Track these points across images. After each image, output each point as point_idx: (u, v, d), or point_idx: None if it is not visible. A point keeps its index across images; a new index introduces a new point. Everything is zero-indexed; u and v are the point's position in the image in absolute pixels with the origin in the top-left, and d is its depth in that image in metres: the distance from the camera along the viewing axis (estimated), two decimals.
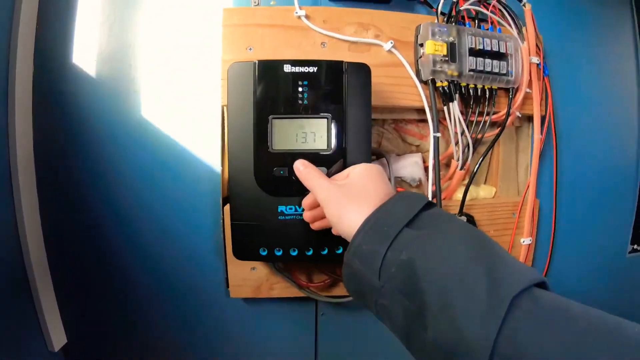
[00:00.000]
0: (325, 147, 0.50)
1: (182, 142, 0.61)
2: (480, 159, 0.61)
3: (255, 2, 0.61)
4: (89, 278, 0.65)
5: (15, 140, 0.60)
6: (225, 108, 0.59)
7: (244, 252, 0.53)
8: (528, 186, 0.64)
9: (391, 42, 0.57)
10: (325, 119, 0.50)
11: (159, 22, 0.62)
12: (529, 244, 0.65)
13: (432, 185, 0.58)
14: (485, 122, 0.60)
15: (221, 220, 0.59)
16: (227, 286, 0.61)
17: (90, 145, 0.62)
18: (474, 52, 0.58)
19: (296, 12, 0.57)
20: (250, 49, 0.57)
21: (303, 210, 0.49)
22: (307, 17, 0.57)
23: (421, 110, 0.60)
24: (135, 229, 0.62)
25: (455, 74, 0.57)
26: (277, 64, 0.49)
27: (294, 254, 0.52)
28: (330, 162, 0.49)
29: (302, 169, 0.44)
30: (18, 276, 0.60)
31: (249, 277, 0.60)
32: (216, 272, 0.62)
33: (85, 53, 0.62)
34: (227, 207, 0.58)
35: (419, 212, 0.33)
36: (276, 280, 0.60)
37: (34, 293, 0.62)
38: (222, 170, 0.59)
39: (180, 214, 0.62)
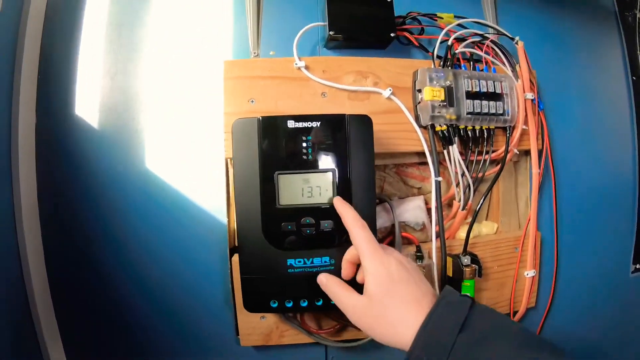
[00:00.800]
0: (331, 200, 0.51)
1: (187, 193, 0.61)
2: (482, 199, 0.62)
3: (254, 53, 0.62)
4: (98, 328, 0.64)
5: (20, 191, 0.61)
6: (229, 161, 0.60)
7: (254, 304, 0.53)
8: (529, 220, 0.66)
9: (390, 89, 0.59)
10: (330, 173, 0.51)
11: (162, 75, 0.63)
12: (533, 276, 0.66)
13: (436, 225, 0.59)
14: (485, 161, 0.61)
15: (229, 270, 0.60)
16: (237, 334, 0.62)
17: (96, 196, 0.62)
18: (470, 95, 0.59)
19: (296, 64, 0.58)
20: (252, 101, 0.58)
21: (312, 262, 0.50)
22: (306, 67, 0.58)
23: (421, 154, 0.61)
24: (143, 279, 0.62)
25: (454, 117, 0.59)
26: (280, 120, 0.50)
27: (304, 304, 0.52)
28: (338, 215, 0.50)
29: (325, 282, 0.46)
30: (26, 331, 0.60)
31: (259, 326, 0.60)
32: (226, 321, 0.62)
33: (88, 104, 0.63)
34: (235, 257, 0.59)
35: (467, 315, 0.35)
36: (286, 328, 0.60)
37: (42, 345, 0.61)
38: (228, 222, 0.60)
39: (187, 264, 0.62)
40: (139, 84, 0.63)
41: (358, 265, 0.47)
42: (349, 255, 0.47)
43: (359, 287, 0.43)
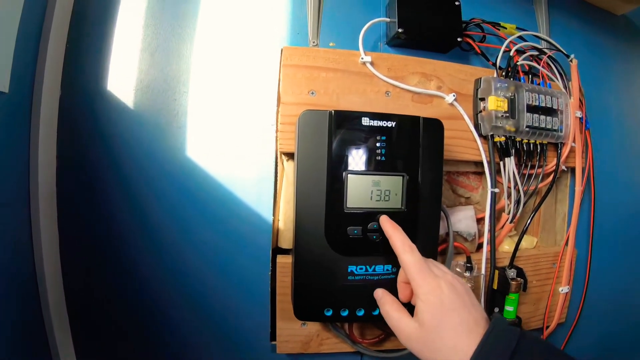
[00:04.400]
0: (400, 205, 0.48)
1: (230, 186, 0.56)
2: (533, 213, 0.62)
3: (313, 43, 0.58)
4: (114, 325, 0.58)
5: (37, 171, 0.54)
6: (280, 155, 0.56)
7: (307, 312, 0.49)
8: (568, 236, 0.66)
9: (453, 95, 0.57)
10: (402, 177, 0.48)
11: (208, 56, 0.57)
12: (567, 293, 0.66)
13: (488, 233, 0.58)
14: (537, 175, 0.61)
15: (270, 272, 0.56)
16: (272, 340, 0.58)
17: (124, 183, 0.56)
18: (530, 108, 0.59)
19: (362, 58, 0.55)
20: (312, 92, 0.54)
21: (374, 270, 0.48)
22: (372, 63, 0.55)
23: (477, 164, 0.60)
24: (171, 275, 0.57)
25: (513, 129, 0.58)
26: (354, 116, 0.47)
27: (360, 314, 0.49)
28: (405, 222, 0.47)
29: (380, 297, 0.45)
30: (36, 333, 0.53)
31: (299, 333, 0.56)
32: (260, 325, 0.58)
33: (122, 80, 0.57)
34: (280, 259, 0.55)
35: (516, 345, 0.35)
36: (327, 336, 0.57)
37: (52, 349, 0.55)
38: (274, 220, 0.56)
39: (224, 262, 0.57)
40: (182, 64, 0.57)
41: None
42: (402, 276, 0.45)
43: (412, 306, 0.42)
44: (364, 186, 0.47)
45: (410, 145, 0.48)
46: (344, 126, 0.47)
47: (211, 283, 0.57)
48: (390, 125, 0.48)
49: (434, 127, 0.50)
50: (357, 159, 0.47)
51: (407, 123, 0.48)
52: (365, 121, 0.47)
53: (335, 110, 0.47)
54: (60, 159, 0.56)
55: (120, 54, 0.57)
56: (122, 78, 0.57)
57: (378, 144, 0.47)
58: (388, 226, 0.45)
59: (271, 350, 0.58)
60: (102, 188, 0.56)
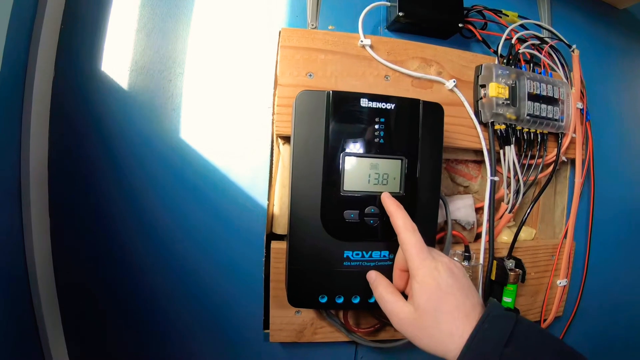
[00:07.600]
0: (398, 190, 0.47)
1: (224, 170, 0.55)
2: (532, 203, 0.61)
3: (312, 25, 0.57)
4: (107, 316, 0.57)
5: (29, 157, 0.52)
6: (277, 138, 0.55)
7: (301, 299, 0.48)
8: (567, 228, 0.65)
9: (454, 81, 0.56)
10: (400, 160, 0.47)
11: (205, 37, 0.56)
12: (565, 285, 0.66)
13: (486, 222, 0.57)
14: (537, 166, 0.60)
15: (263, 259, 0.55)
16: (265, 328, 0.56)
17: (115, 166, 0.55)
18: (531, 97, 0.58)
19: (361, 41, 0.54)
20: (310, 75, 0.53)
21: (370, 256, 0.47)
22: (371, 47, 0.54)
23: (477, 152, 0.59)
24: (164, 266, 0.55)
25: (514, 117, 0.57)
26: (353, 97, 0.46)
27: (356, 301, 0.48)
28: (403, 206, 0.46)
29: (374, 279, 0.44)
30: (28, 330, 0.51)
31: (293, 322, 0.55)
32: (253, 314, 0.56)
33: (117, 61, 0.55)
34: (274, 244, 0.54)
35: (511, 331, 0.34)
36: (321, 325, 0.56)
37: (44, 344, 0.53)
38: (269, 205, 0.55)
39: (217, 249, 0.56)
40: (178, 45, 0.56)
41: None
42: (398, 263, 0.43)
43: (406, 296, 0.41)
44: (362, 169, 0.46)
45: (410, 128, 0.47)
46: (341, 107, 0.46)
47: (204, 269, 0.56)
48: (389, 108, 0.47)
49: (434, 110, 0.49)
50: (354, 141, 0.46)
51: (406, 106, 0.47)
52: (364, 102, 0.46)
53: (333, 91, 0.46)
54: (53, 143, 0.54)
55: (115, 34, 0.55)
56: (117, 59, 0.55)
57: (377, 126, 0.46)
58: (390, 204, 0.43)
59: (264, 339, 0.57)
60: (94, 172, 0.54)
